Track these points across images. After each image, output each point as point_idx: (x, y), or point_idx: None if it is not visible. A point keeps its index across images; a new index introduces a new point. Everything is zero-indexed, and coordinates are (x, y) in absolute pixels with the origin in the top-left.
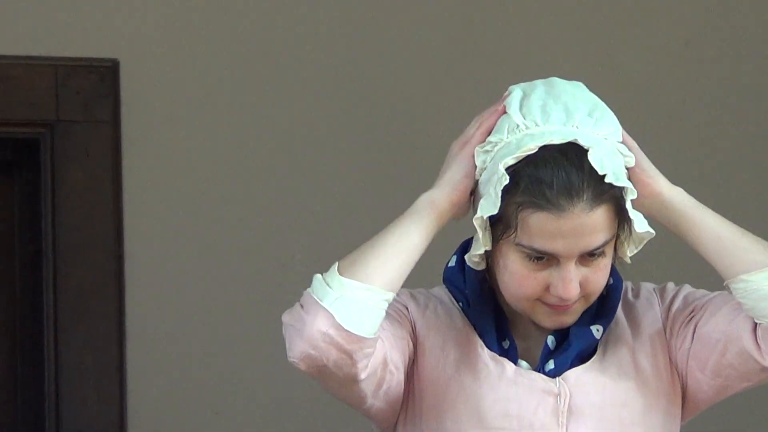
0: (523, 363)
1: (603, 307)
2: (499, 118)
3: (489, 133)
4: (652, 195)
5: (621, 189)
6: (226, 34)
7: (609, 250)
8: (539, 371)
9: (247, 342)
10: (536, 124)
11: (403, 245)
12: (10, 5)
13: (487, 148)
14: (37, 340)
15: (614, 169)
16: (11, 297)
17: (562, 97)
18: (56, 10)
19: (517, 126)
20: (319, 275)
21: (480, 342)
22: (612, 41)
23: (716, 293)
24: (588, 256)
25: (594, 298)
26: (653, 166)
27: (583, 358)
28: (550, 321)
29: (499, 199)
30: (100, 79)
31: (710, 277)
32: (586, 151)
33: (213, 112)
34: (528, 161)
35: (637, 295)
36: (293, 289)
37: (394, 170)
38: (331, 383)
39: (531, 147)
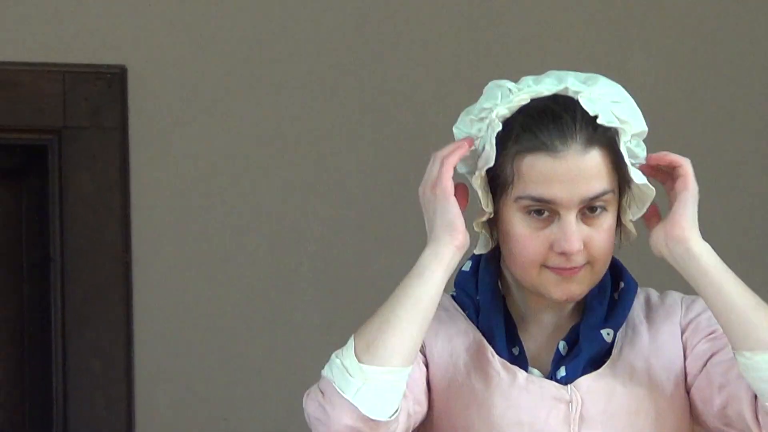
0: (535, 371)
1: (614, 310)
2: (464, 152)
3: (454, 167)
4: (680, 239)
5: (615, 133)
6: (233, 40)
7: (611, 209)
8: (551, 378)
9: (255, 347)
10: (528, 86)
11: (417, 313)
12: (18, 12)
13: (482, 115)
14: (45, 345)
15: (606, 112)
16: (19, 302)
17: (557, 72)
18: (64, 16)
19: (510, 90)
20: (337, 360)
21: (490, 349)
22: (620, 47)
23: None
24: (588, 212)
25: (600, 267)
26: (694, 213)
27: (595, 363)
28: (558, 290)
29: (494, 149)
30: (108, 85)
31: None
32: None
33: (220, 118)
34: (520, 112)
35: (662, 302)
36: (300, 295)
37: (401, 175)
38: None
39: (523, 98)
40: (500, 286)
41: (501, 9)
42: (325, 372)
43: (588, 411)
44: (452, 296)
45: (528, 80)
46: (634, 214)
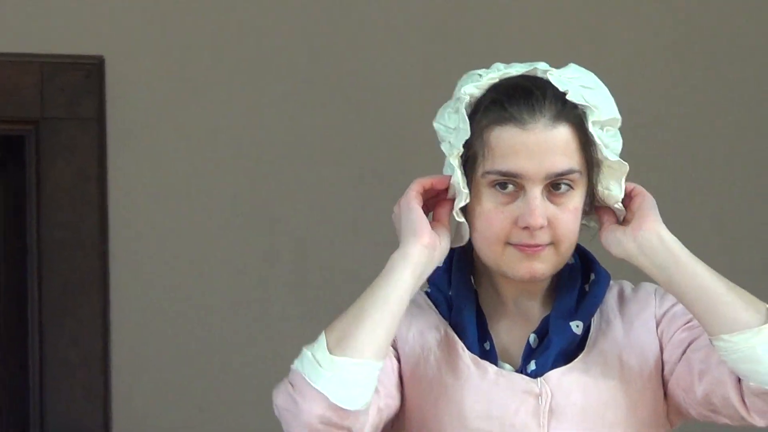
0: (506, 365)
1: (583, 302)
2: (438, 183)
3: (426, 188)
4: (651, 230)
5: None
6: (211, 31)
7: (577, 190)
8: (521, 372)
9: (232, 339)
10: (499, 69)
11: (386, 311)
12: None
13: (457, 105)
14: (21, 336)
15: (575, 91)
16: None
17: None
18: (41, 7)
19: (480, 75)
20: (308, 352)
21: (461, 344)
22: (599, 40)
23: None
24: (554, 189)
25: (565, 249)
26: (658, 215)
27: (568, 356)
28: (521, 268)
29: (467, 123)
30: (86, 76)
31: None
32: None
33: (198, 109)
34: (490, 89)
35: (635, 294)
36: (279, 287)
37: (378, 170)
38: None
39: (492, 76)
40: (473, 282)
41: (481, 7)
42: (296, 365)
43: (557, 404)
44: (426, 293)
45: (498, 65)
46: (612, 198)
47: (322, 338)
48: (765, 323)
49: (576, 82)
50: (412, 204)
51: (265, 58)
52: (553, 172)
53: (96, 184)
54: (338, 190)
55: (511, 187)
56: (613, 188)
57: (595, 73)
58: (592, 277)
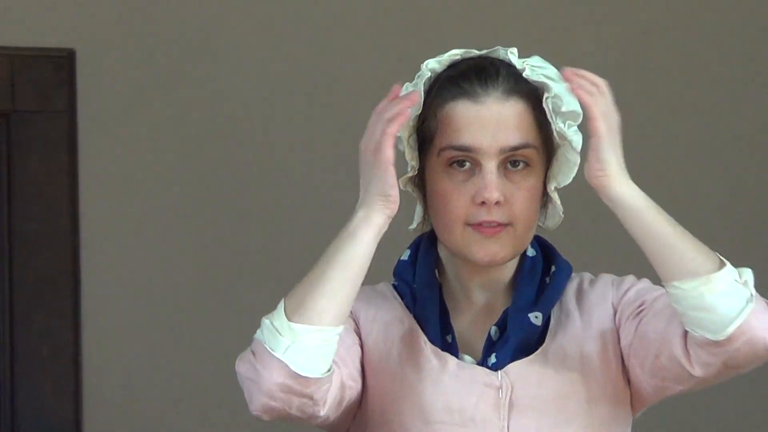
0: (467, 357)
1: (543, 293)
2: (406, 117)
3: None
4: (598, 187)
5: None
6: (182, 23)
7: (534, 168)
8: (482, 365)
9: (204, 332)
10: (465, 51)
11: (347, 275)
12: None
13: (416, 81)
14: None
15: (533, 71)
16: None
17: None
18: None
19: (442, 58)
20: (267, 321)
21: (423, 337)
22: (567, 31)
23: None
24: (511, 166)
25: (522, 230)
26: (610, 154)
27: (528, 349)
28: (481, 250)
29: (421, 96)
30: (57, 68)
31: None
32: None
33: (169, 102)
34: (449, 66)
35: (593, 285)
36: (249, 279)
37: (344, 160)
38: (295, 422)
39: (454, 52)
40: (437, 275)
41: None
42: (257, 335)
43: (518, 397)
44: (393, 285)
45: (469, 50)
46: (560, 183)
47: (281, 306)
48: (715, 272)
49: (539, 70)
50: (387, 163)
51: (235, 51)
52: (507, 145)
53: (67, 176)
54: (308, 181)
55: (467, 164)
56: (560, 180)
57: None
58: (553, 269)
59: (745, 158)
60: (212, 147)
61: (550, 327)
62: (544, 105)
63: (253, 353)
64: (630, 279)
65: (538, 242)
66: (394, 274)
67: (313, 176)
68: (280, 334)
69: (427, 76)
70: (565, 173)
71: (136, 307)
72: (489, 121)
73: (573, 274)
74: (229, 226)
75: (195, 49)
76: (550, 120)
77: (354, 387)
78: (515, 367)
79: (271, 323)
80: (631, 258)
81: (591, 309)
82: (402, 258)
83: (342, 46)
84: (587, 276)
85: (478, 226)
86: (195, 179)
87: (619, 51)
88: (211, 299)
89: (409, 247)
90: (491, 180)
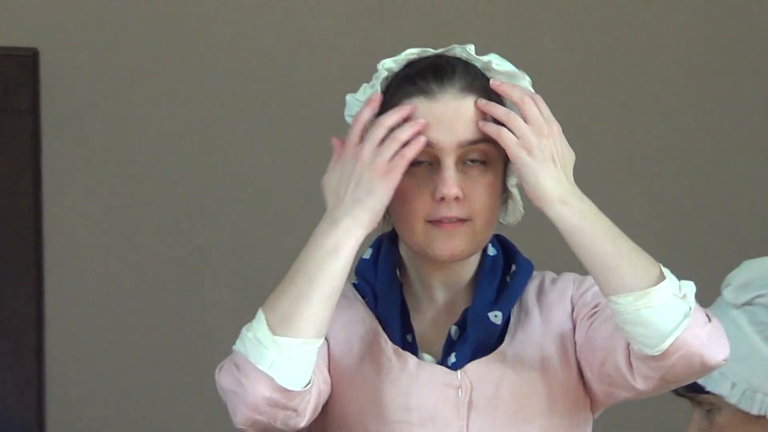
0: (427, 356)
1: (504, 293)
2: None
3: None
4: (541, 208)
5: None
6: (146, 23)
7: (492, 165)
8: (442, 364)
9: (166, 329)
10: (422, 50)
11: (332, 289)
12: None
13: (373, 82)
14: None
15: (490, 69)
16: None
17: None
18: None
19: (399, 58)
20: (249, 334)
21: (384, 336)
22: (532, 31)
23: None
24: (470, 162)
25: (481, 225)
26: (536, 178)
27: (488, 348)
28: (441, 246)
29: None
30: (20, 67)
31: None
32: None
33: (132, 102)
34: (405, 65)
35: (554, 285)
36: (212, 277)
37: (308, 163)
38: None
39: (410, 52)
40: (398, 275)
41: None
42: (237, 347)
43: (477, 396)
44: (354, 284)
45: (426, 49)
46: (519, 179)
47: (261, 317)
48: (652, 286)
49: (498, 67)
50: (397, 178)
51: (200, 50)
52: (465, 140)
53: (30, 175)
54: (271, 182)
55: (425, 162)
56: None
57: (528, 65)
58: (513, 268)
59: (714, 157)
60: (175, 147)
61: (509, 326)
62: (504, 99)
63: (236, 366)
64: (591, 279)
65: (499, 241)
66: (356, 273)
67: (277, 178)
68: (265, 347)
69: (384, 76)
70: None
71: (99, 305)
72: (446, 117)
73: (535, 273)
74: (191, 223)
75: (159, 48)
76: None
77: (326, 391)
78: (474, 367)
79: (254, 336)
80: None
81: (551, 307)
82: (364, 257)
83: (307, 52)
84: (549, 275)
85: (438, 222)
86: (157, 178)
87: (583, 51)
88: (174, 296)
89: (371, 246)
90: (450, 176)
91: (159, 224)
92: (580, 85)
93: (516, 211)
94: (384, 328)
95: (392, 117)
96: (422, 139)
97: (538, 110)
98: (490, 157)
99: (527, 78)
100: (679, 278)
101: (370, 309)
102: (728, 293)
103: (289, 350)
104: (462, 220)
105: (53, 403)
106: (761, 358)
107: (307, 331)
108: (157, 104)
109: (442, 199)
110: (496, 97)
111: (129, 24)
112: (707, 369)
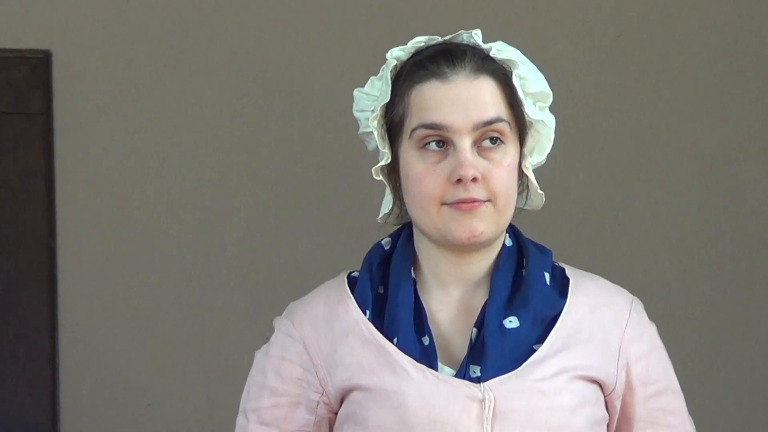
0: (446, 368)
1: (518, 289)
2: None
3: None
4: None
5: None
6: (157, 26)
7: (509, 144)
8: (464, 373)
9: (179, 333)
10: (429, 38)
11: None
12: None
13: (380, 74)
14: None
15: (499, 48)
16: None
17: None
18: None
19: (407, 47)
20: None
21: (393, 348)
22: (544, 34)
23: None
24: (484, 144)
25: (503, 205)
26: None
27: (511, 355)
28: (460, 228)
29: (389, 85)
30: (32, 70)
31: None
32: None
33: (145, 104)
34: (414, 53)
35: (610, 299)
36: (225, 281)
37: (322, 165)
38: None
39: (418, 39)
40: (413, 273)
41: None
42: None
43: (501, 409)
44: (349, 276)
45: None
46: (534, 161)
47: None
48: None
49: (503, 53)
50: None
51: (212, 54)
52: (480, 120)
53: (43, 178)
54: (284, 185)
55: (440, 145)
56: (534, 158)
57: (539, 68)
58: (525, 261)
59: (722, 158)
60: (187, 149)
61: (546, 344)
62: (514, 82)
63: None
64: (652, 331)
65: (513, 231)
66: (365, 263)
67: (290, 181)
68: None
69: (393, 65)
70: (538, 152)
71: (113, 309)
72: (459, 99)
73: (565, 268)
74: (204, 228)
75: (171, 50)
76: (520, 97)
77: None
78: (498, 379)
79: None
80: (605, 246)
81: (597, 328)
82: (381, 243)
83: (321, 53)
84: (599, 281)
85: (456, 204)
86: (169, 181)
87: (595, 53)
88: (187, 300)
89: (389, 236)
90: (466, 157)
91: (171, 227)
92: (591, 89)
93: (536, 194)
94: (396, 335)
95: None
96: None
97: None
98: (505, 136)
99: (532, 64)
100: (687, 281)
101: (363, 306)
102: None
103: None
104: (481, 201)
105: (66, 407)
106: None
107: None
108: (169, 106)
109: (459, 180)
110: (507, 80)
111: (141, 27)
112: None
